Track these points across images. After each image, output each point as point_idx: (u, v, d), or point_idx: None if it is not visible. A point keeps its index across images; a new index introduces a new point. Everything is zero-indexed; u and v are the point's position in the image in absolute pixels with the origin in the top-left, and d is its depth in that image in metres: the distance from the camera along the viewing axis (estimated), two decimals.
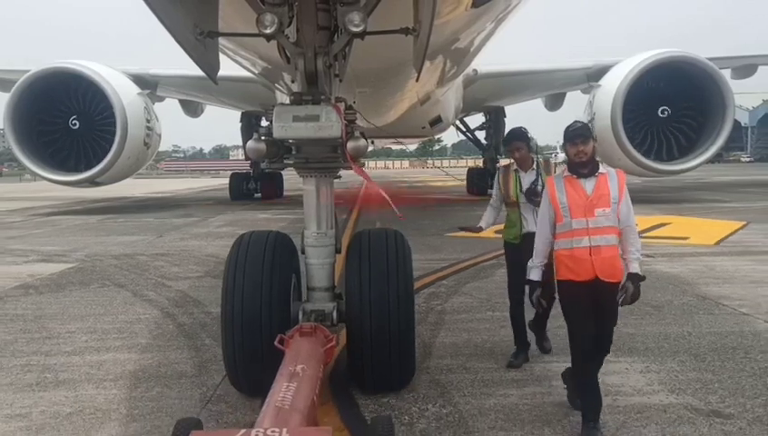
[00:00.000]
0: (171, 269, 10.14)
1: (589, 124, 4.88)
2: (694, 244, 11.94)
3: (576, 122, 4.21)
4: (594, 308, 3.92)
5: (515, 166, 5.37)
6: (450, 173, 34.33)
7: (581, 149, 3.96)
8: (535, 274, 4.20)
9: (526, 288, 5.22)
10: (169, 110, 28.54)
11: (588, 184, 3.96)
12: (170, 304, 7.64)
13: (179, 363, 5.45)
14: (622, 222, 3.95)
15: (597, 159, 4.07)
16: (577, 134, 4.00)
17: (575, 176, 4.01)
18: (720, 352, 5.44)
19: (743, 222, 14.84)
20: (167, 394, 4.74)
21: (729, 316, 6.67)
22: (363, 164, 4.80)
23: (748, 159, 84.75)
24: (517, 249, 5.24)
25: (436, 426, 4.07)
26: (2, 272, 10.09)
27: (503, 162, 30.35)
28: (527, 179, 5.26)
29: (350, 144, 4.32)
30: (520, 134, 5.33)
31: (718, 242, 12.08)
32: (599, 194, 3.92)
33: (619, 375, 4.87)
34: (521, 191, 5.24)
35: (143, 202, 27.51)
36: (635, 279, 3.93)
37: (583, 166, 4.00)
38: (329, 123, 4.14)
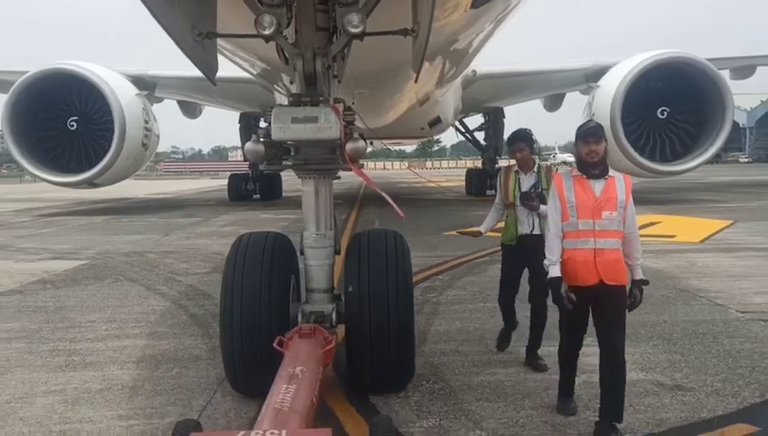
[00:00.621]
0: (179, 265, 10.62)
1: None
2: (681, 242, 12.42)
3: (589, 121, 4.27)
4: (596, 317, 4.00)
5: (515, 167, 5.41)
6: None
7: (593, 148, 3.95)
8: (555, 271, 4.05)
9: (510, 294, 5.47)
10: (167, 111, 28.68)
11: (597, 186, 3.96)
12: (181, 297, 8.13)
13: (194, 348, 5.94)
14: (627, 227, 3.97)
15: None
16: (590, 133, 4.00)
17: (584, 176, 4.00)
18: (691, 337, 5.93)
19: (731, 221, 15.34)
20: (186, 374, 5.23)
21: (704, 307, 7.16)
22: (362, 165, 4.76)
23: (746, 160, 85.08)
24: (513, 251, 5.34)
25: (429, 398, 4.56)
26: (18, 268, 10.57)
27: (502, 163, 30.37)
28: (527, 182, 5.28)
29: (349, 146, 4.35)
30: (524, 135, 5.35)
31: (704, 240, 12.57)
32: (608, 197, 3.92)
33: (595, 357, 5.27)
34: (519, 192, 5.26)
35: (146, 202, 27.88)
36: (641, 284, 4.03)
37: (593, 166, 3.98)
38: (327, 125, 4.16)
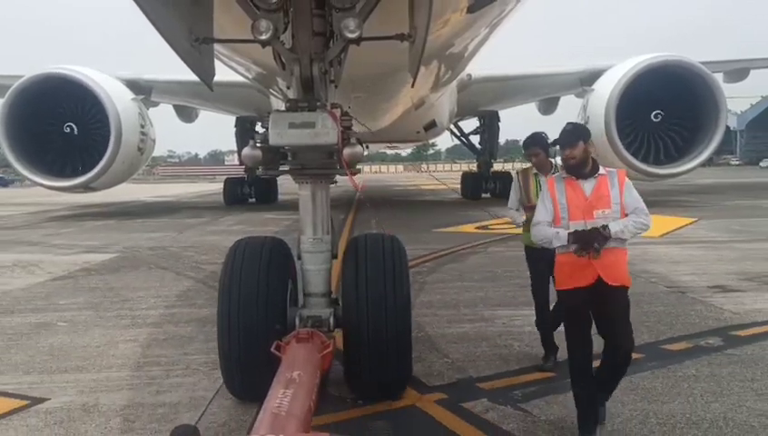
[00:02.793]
0: (200, 257, 12.18)
1: (585, 125, 4.64)
2: (641, 236, 13.91)
3: (567, 124, 4.23)
4: (598, 319, 4.04)
5: (534, 170, 5.53)
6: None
7: (566, 153, 3.98)
8: (564, 233, 3.93)
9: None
10: (163, 115, 28.61)
11: (587, 186, 3.95)
12: (209, 279, 9.68)
13: None
14: (629, 207, 3.92)
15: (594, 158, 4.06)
16: (561, 140, 4.05)
17: (573, 177, 4.01)
18: None
19: (694, 219, 16.89)
20: None
21: (639, 284, 8.67)
22: (359, 170, 4.85)
23: (737, 162, 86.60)
24: (541, 253, 5.18)
25: (413, 342, 6.09)
26: (59, 260, 12.12)
27: (497, 166, 30.93)
28: None
29: (347, 151, 4.38)
30: (539, 140, 5.45)
31: (663, 235, 14.04)
32: (598, 196, 3.90)
33: (530, 317, 6.45)
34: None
35: (150, 205, 28.96)
36: (602, 229, 3.83)
37: (575, 168, 3.99)
38: (325, 130, 4.19)
